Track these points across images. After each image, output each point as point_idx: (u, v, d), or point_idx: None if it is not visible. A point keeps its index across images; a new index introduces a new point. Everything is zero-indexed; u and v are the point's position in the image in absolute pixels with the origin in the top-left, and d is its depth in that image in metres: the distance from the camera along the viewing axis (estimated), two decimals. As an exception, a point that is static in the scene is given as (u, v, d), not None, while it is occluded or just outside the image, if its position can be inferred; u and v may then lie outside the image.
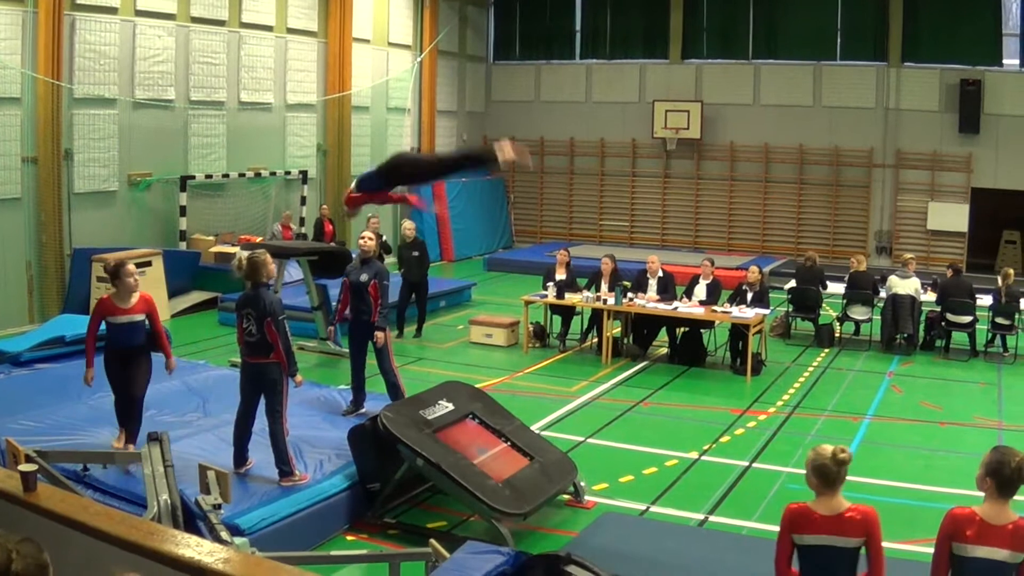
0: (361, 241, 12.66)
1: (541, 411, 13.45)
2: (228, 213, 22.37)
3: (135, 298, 10.09)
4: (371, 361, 12.31)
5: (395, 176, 11.40)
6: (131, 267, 10.18)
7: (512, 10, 32.38)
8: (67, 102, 18.22)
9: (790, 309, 18.81)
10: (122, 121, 19.50)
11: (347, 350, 12.84)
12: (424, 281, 18.15)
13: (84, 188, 18.81)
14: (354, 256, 13.36)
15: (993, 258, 26.68)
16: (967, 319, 17.37)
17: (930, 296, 18.06)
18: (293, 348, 9.84)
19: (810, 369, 16.53)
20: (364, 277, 12.19)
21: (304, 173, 24.38)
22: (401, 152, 12.16)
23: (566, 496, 10.22)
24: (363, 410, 11.94)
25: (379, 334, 12.18)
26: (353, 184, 11.46)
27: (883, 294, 18.00)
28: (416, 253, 17.99)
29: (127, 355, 10.06)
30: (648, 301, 16.72)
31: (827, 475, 5.60)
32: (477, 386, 11.91)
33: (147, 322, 10.20)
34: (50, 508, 4.62)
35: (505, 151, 10.25)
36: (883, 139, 27.33)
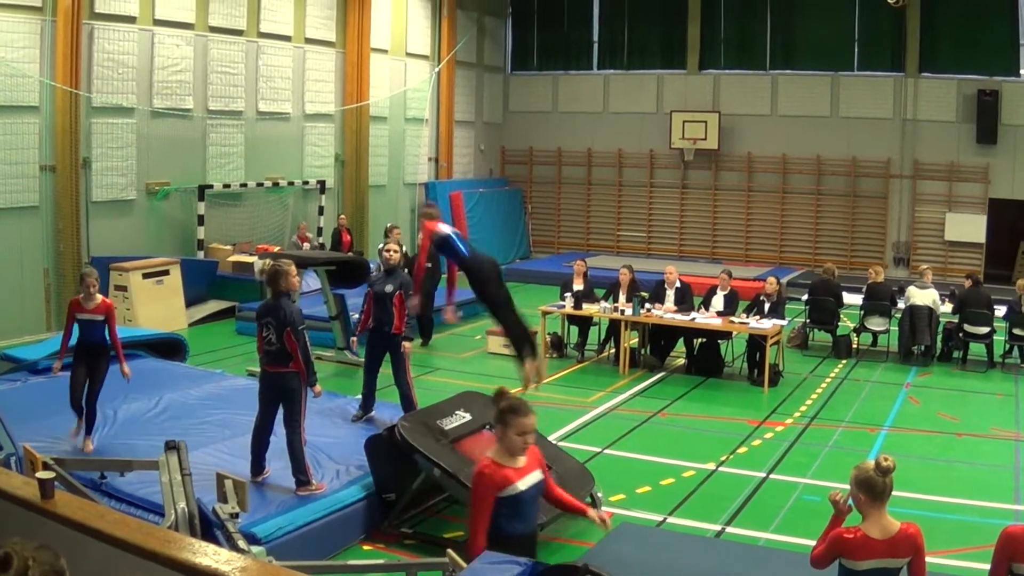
0: (387, 253, 12.51)
1: (558, 421, 13.44)
2: (246, 222, 22.43)
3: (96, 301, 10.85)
4: (385, 371, 12.31)
5: (469, 274, 11.31)
6: None
7: (530, 21, 32.43)
8: (85, 111, 18.31)
9: (807, 320, 18.76)
10: (140, 130, 19.59)
11: (363, 359, 12.82)
12: (432, 293, 18.06)
13: (102, 197, 18.88)
14: (372, 266, 13.31)
15: (1011, 269, 26.55)
16: (985, 330, 17.30)
17: (947, 307, 17.99)
18: (312, 358, 9.84)
19: (827, 380, 16.48)
20: (389, 287, 12.13)
21: (322, 183, 24.43)
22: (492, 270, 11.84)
23: (583, 506, 10.20)
24: (371, 414, 11.99)
25: (406, 344, 12.19)
26: (446, 229, 11.39)
27: (901, 305, 17.93)
28: (429, 265, 17.91)
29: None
30: (665, 312, 16.71)
31: (874, 487, 5.46)
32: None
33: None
34: (67, 516, 4.62)
35: (529, 374, 10.95)
36: (900, 150, 27.26)
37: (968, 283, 17.93)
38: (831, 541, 5.55)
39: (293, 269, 9.89)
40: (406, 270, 16.22)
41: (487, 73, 31.85)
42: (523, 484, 6.03)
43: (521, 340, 11.20)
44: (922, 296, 17.50)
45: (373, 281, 12.49)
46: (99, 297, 10.95)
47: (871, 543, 5.42)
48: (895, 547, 5.43)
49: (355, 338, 13.47)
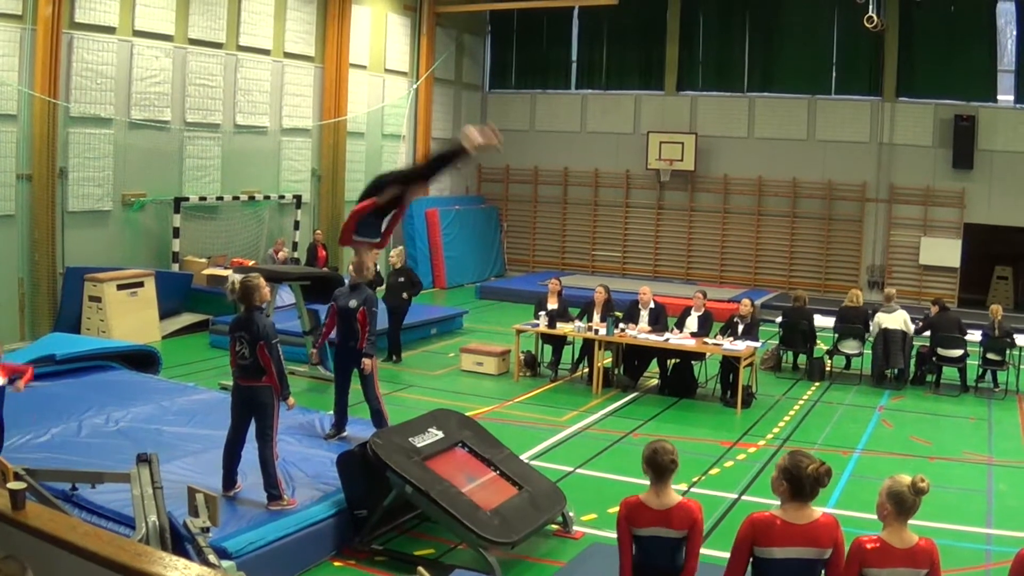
0: (355, 270, 12.41)
1: (531, 440, 13.41)
2: (221, 236, 22.38)
3: None
4: (355, 387, 12.26)
5: (385, 195, 11.42)
6: None
7: (509, 39, 32.54)
8: (63, 120, 18.26)
9: (781, 344, 18.78)
10: (117, 141, 19.54)
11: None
12: (402, 310, 18.10)
13: (78, 207, 18.81)
14: (346, 281, 13.26)
15: (985, 293, 26.72)
16: (957, 353, 17.36)
17: (918, 326, 18.00)
18: (286, 372, 9.81)
19: (800, 402, 16.51)
20: (353, 303, 12.06)
21: (298, 197, 24.40)
22: (378, 174, 12.56)
23: (554, 526, 10.18)
24: (344, 434, 11.92)
25: (367, 361, 12.09)
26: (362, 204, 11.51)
27: (872, 330, 17.94)
28: (402, 279, 17.94)
29: None
30: (639, 332, 16.71)
31: (903, 503, 5.65)
32: (467, 414, 11.88)
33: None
34: (38, 527, 4.60)
35: (471, 137, 10.49)
36: (876, 173, 27.41)
37: (935, 309, 17.96)
38: (852, 548, 5.61)
39: (263, 282, 9.86)
40: (377, 286, 16.25)
41: (465, 91, 31.92)
42: None
43: (449, 151, 11.80)
44: (892, 320, 17.52)
45: (337, 296, 12.42)
46: None
47: (892, 551, 5.57)
48: (914, 558, 5.59)
49: (315, 351, 13.35)
